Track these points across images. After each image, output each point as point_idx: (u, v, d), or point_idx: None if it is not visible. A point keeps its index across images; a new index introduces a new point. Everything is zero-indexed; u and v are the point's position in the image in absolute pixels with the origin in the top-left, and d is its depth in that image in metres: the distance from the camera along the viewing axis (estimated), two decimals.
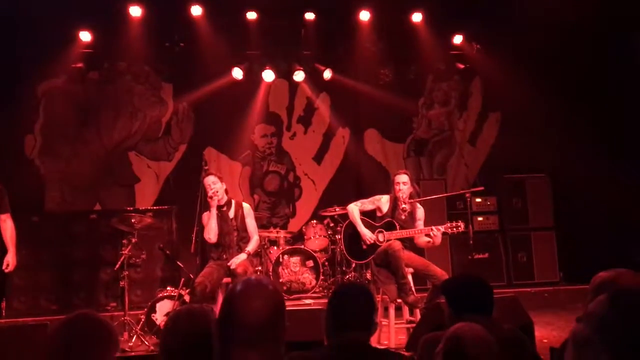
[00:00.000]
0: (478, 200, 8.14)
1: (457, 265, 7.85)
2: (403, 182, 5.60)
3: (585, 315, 1.41)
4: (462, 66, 9.12)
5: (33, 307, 7.02)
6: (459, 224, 5.38)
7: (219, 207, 5.62)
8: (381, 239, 5.55)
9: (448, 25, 8.64)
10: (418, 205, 5.73)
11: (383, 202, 5.70)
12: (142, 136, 8.84)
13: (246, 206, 5.80)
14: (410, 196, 5.62)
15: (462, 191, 6.97)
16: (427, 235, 5.48)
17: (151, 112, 8.88)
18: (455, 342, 1.88)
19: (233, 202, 5.78)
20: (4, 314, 6.97)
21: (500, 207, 8.33)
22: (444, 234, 5.50)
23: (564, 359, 1.48)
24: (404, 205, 5.54)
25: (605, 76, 7.97)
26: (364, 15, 8.40)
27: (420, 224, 5.66)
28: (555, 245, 8.17)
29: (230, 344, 1.58)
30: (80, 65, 8.25)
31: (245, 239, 5.67)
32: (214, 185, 5.60)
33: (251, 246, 5.66)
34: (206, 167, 6.31)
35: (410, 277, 5.39)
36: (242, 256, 5.52)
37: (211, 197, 5.55)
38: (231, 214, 5.68)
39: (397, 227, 5.54)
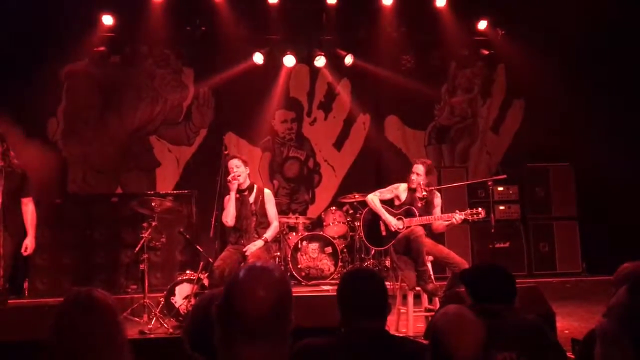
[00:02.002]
0: (500, 188, 8.04)
1: (478, 254, 7.78)
2: (417, 173, 5.57)
3: (608, 308, 1.37)
4: (486, 52, 8.97)
5: (55, 288, 7.10)
6: (479, 211, 5.32)
7: (240, 191, 5.60)
8: (400, 226, 5.52)
9: (472, 11, 8.50)
10: (436, 192, 5.69)
11: (401, 190, 5.66)
12: (163, 120, 8.87)
13: (267, 192, 5.76)
14: (428, 184, 5.59)
15: (484, 179, 6.88)
16: (448, 219, 5.43)
17: (172, 96, 8.90)
18: (441, 336, 1.85)
19: (255, 187, 5.75)
20: (26, 294, 7.09)
21: (522, 195, 8.21)
22: (464, 220, 5.45)
23: (594, 355, 1.44)
24: (423, 194, 5.50)
25: (632, 64, 7.77)
26: (387, 0, 8.29)
27: (437, 210, 5.63)
28: (578, 235, 8.05)
29: (232, 334, 1.51)
30: (102, 49, 8.28)
31: (263, 224, 5.64)
32: (237, 168, 5.58)
33: (269, 233, 5.62)
34: (226, 152, 6.30)
35: (429, 265, 5.35)
36: (259, 243, 5.47)
37: (230, 181, 5.52)
38: (251, 198, 5.64)
39: (417, 214, 5.49)
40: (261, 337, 1.50)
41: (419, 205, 5.55)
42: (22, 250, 5.23)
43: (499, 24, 8.65)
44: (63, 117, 8.54)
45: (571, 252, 8.01)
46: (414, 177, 5.57)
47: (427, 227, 5.56)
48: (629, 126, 7.74)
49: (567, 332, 4.98)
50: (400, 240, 5.42)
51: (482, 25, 8.64)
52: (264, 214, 5.64)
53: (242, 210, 5.58)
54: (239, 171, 5.56)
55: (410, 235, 5.30)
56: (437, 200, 5.70)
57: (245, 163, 5.67)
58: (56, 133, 8.50)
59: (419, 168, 5.59)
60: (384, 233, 5.58)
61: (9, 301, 5.45)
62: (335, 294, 2.32)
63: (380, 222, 5.63)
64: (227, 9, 8.13)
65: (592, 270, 7.92)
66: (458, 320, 1.88)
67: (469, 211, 5.40)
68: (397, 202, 5.70)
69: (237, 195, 5.57)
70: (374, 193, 5.75)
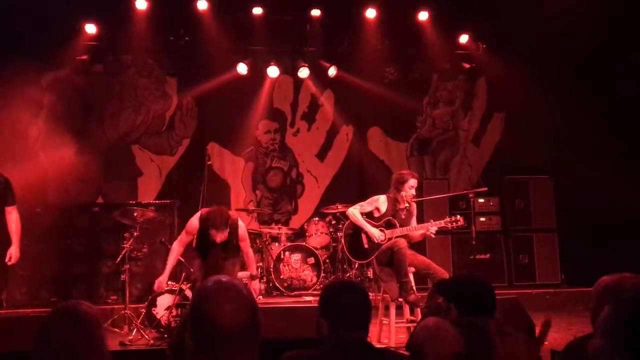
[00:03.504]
0: (481, 200, 8.12)
1: (458, 266, 7.83)
2: (414, 187, 5.63)
3: (596, 326, 1.41)
4: (467, 66, 9.09)
5: (33, 299, 7.01)
6: (457, 219, 5.39)
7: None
8: (382, 238, 5.55)
9: (454, 25, 8.61)
10: (413, 202, 5.74)
11: (381, 202, 5.67)
12: (145, 130, 8.84)
13: (241, 226, 5.46)
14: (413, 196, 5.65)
15: (465, 191, 6.95)
16: (426, 230, 5.49)
17: (155, 105, 8.88)
18: (419, 350, 1.87)
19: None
20: (4, 304, 6.98)
21: (502, 207, 8.30)
22: (445, 230, 5.52)
23: None
24: (405, 205, 5.54)
25: (611, 78, 7.93)
26: (370, 13, 8.37)
27: (414, 220, 5.68)
28: (557, 247, 8.14)
29: (205, 350, 1.52)
30: (85, 57, 8.23)
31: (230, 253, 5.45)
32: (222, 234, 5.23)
33: (253, 267, 5.65)
34: (209, 162, 6.30)
35: (411, 277, 5.38)
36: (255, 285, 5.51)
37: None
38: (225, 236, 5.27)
39: (397, 225, 5.53)
40: (233, 350, 1.52)
41: (402, 216, 5.59)
42: (7, 260, 5.18)
43: (480, 38, 8.78)
44: (44, 125, 8.45)
45: (550, 264, 8.10)
46: (408, 189, 5.58)
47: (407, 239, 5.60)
48: (608, 140, 7.87)
49: (546, 343, 5.02)
50: (383, 251, 5.44)
51: (464, 39, 8.76)
52: (234, 244, 5.41)
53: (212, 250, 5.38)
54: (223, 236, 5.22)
55: (393, 247, 5.33)
56: (414, 210, 5.77)
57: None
58: (37, 141, 8.42)
59: (415, 182, 5.64)
60: (366, 245, 5.60)
61: None
62: (317, 305, 2.33)
63: (362, 234, 5.63)
64: (211, 19, 8.13)
65: (570, 281, 8.02)
66: (436, 333, 1.91)
67: (447, 219, 5.46)
68: (377, 214, 5.70)
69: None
70: (354, 206, 5.75)
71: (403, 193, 5.56)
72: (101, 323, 1.80)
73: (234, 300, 1.55)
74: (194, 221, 5.38)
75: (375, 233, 5.54)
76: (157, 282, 5.39)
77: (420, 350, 1.89)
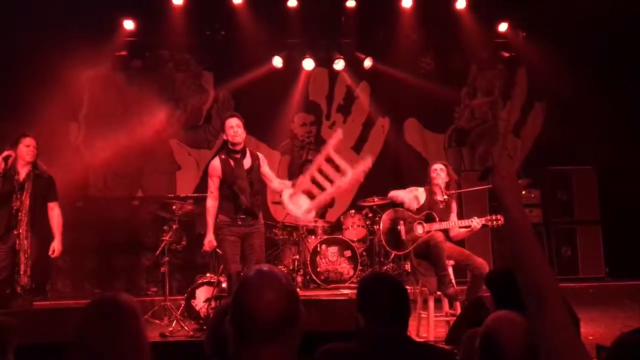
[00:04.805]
0: (522, 192, 7.95)
1: (499, 258, 7.70)
2: (440, 168, 5.53)
3: None
4: (507, 54, 8.90)
5: (76, 290, 7.20)
6: (498, 217, 5.27)
7: (234, 152, 5.12)
8: (420, 231, 5.47)
9: (493, 13, 8.45)
10: (453, 199, 5.63)
11: (420, 193, 5.60)
12: (183, 124, 8.93)
13: (261, 156, 5.31)
14: (447, 186, 5.52)
15: None
16: (466, 227, 5.39)
17: (192, 100, 8.96)
18: (493, 338, 1.82)
19: (247, 150, 5.22)
20: (48, 295, 7.18)
21: (544, 199, 8.11)
22: (483, 226, 5.40)
23: None
24: (444, 197, 5.46)
25: None
26: (406, 3, 8.26)
27: (454, 216, 5.58)
28: (600, 240, 7.93)
29: (244, 336, 1.53)
30: (124, 53, 8.36)
31: (256, 195, 5.19)
32: (238, 129, 5.05)
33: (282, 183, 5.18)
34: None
35: (450, 270, 5.31)
36: (304, 203, 4.45)
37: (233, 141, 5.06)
38: (246, 163, 5.14)
39: (437, 219, 5.45)
40: (273, 339, 1.52)
41: (440, 207, 5.50)
42: (50, 253, 5.34)
43: (520, 26, 8.58)
44: (85, 121, 8.63)
45: (594, 257, 7.89)
46: (437, 173, 5.50)
47: (446, 233, 5.52)
48: None
49: (591, 338, 4.90)
50: (421, 245, 5.37)
51: (503, 27, 8.58)
52: (259, 179, 5.21)
53: (237, 170, 5.08)
54: (239, 132, 5.06)
55: (430, 240, 5.25)
56: (454, 206, 5.66)
57: (244, 124, 5.14)
58: (78, 137, 8.60)
59: (440, 165, 5.56)
60: (404, 237, 5.54)
61: (35, 302, 5.53)
62: (354, 298, 2.30)
63: (400, 225, 5.58)
64: (246, 13, 8.16)
65: (614, 275, 7.80)
66: (513, 323, 1.87)
67: (488, 217, 5.36)
68: (415, 204, 5.63)
69: (232, 159, 5.12)
70: (395, 190, 5.71)
71: (436, 181, 5.47)
72: (139, 314, 1.81)
73: (275, 289, 1.55)
74: (215, 163, 5.13)
75: (413, 202, 5.44)
76: (206, 242, 5.16)
77: (496, 339, 1.84)
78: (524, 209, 1.83)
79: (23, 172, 5.24)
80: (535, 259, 1.64)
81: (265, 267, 1.65)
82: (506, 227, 1.79)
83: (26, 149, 5.24)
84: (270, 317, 1.51)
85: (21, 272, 5.09)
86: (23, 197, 5.17)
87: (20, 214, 5.15)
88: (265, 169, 5.27)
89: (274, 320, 1.52)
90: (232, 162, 5.11)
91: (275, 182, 5.25)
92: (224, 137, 5.18)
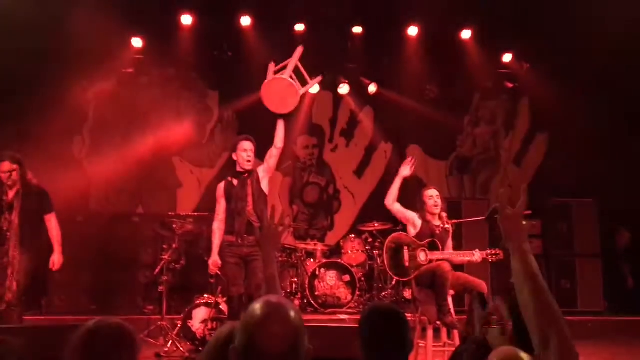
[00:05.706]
0: (522, 223, 7.92)
1: (498, 289, 7.65)
2: (437, 195, 5.46)
3: None
4: (510, 85, 8.97)
5: (72, 305, 7.13)
6: (498, 253, 5.25)
7: (240, 174, 5.24)
8: (423, 258, 5.41)
9: (498, 43, 8.53)
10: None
11: (416, 217, 5.55)
12: (186, 142, 8.95)
13: (259, 168, 5.40)
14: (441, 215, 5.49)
15: None
16: (467, 257, 5.37)
17: (197, 118, 8.99)
18: None
19: (252, 171, 5.32)
20: (43, 311, 7.12)
21: (544, 231, 8.10)
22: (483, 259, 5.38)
23: None
24: (446, 226, 5.43)
25: None
26: (412, 31, 8.35)
27: (449, 243, 5.56)
28: (600, 273, 7.89)
29: None
30: (130, 70, 8.42)
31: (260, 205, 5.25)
32: (251, 153, 5.22)
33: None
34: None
35: (450, 299, 5.27)
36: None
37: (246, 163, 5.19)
38: (250, 183, 5.25)
39: (440, 247, 5.42)
40: None
41: (438, 233, 5.46)
42: (50, 266, 5.30)
43: (524, 58, 8.66)
44: (89, 135, 8.65)
45: (593, 290, 7.85)
46: (434, 200, 5.42)
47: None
48: None
49: None
50: (425, 273, 5.30)
51: (507, 58, 8.67)
52: (260, 190, 5.29)
53: (240, 191, 5.19)
54: (251, 157, 5.22)
55: (437, 270, 5.16)
56: (450, 232, 5.63)
57: (255, 150, 5.28)
58: (82, 151, 8.62)
59: (435, 191, 5.50)
60: (407, 264, 5.45)
61: (25, 317, 5.46)
62: (352, 325, 2.30)
63: (404, 251, 5.47)
64: (254, 35, 8.25)
65: (614, 309, 7.75)
66: (511, 356, 1.86)
67: (488, 251, 5.33)
68: (413, 230, 5.57)
69: (237, 180, 5.25)
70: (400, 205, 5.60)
71: (434, 210, 5.44)
72: (140, 347, 1.81)
73: (282, 323, 1.55)
74: (221, 185, 5.31)
75: (417, 223, 5.41)
76: (211, 263, 5.20)
77: None
78: (528, 251, 1.83)
79: (11, 192, 5.16)
80: (540, 302, 1.65)
81: (274, 298, 1.65)
82: (512, 268, 1.79)
83: (4, 175, 5.12)
84: (275, 351, 1.51)
85: (7, 288, 4.99)
86: (12, 217, 5.11)
87: (8, 233, 5.09)
88: (265, 168, 5.36)
89: (279, 354, 1.52)
90: (235, 183, 5.19)
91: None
92: (234, 157, 5.23)
